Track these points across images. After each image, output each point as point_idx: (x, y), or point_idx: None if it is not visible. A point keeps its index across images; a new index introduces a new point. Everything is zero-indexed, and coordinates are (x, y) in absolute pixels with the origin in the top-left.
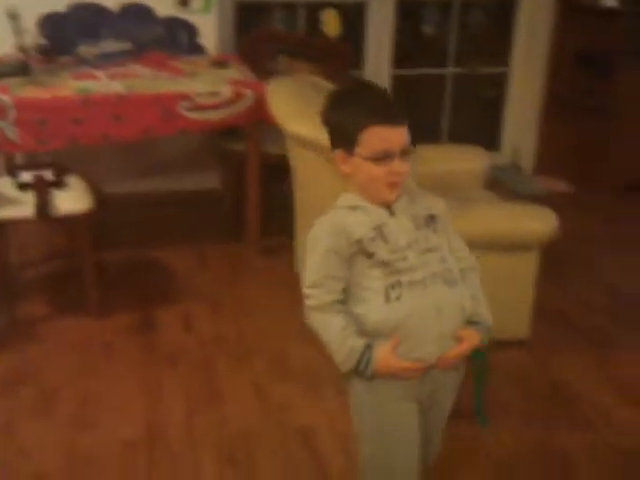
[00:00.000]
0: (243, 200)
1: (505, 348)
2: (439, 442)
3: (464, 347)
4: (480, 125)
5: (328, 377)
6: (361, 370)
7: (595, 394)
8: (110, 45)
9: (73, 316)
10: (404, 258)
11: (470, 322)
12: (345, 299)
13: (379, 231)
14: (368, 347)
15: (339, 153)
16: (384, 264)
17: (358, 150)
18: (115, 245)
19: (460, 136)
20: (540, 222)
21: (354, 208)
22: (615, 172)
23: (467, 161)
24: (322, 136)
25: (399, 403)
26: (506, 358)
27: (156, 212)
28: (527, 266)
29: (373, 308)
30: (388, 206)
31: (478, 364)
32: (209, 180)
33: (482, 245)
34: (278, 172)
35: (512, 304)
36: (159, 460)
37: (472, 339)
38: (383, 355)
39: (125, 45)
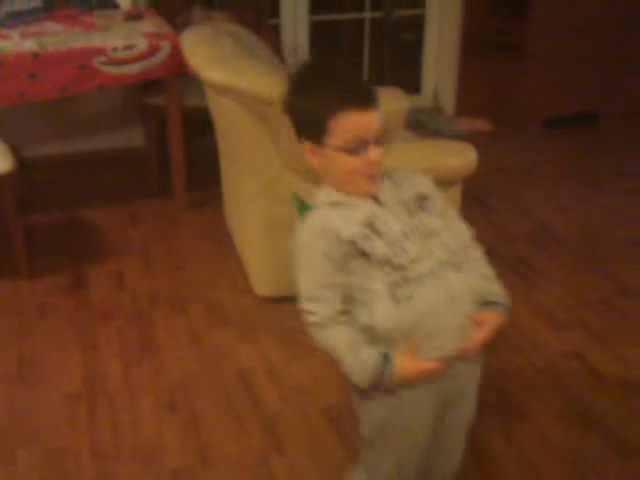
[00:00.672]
0: (168, 155)
1: None
2: (460, 452)
3: (486, 332)
4: (400, 69)
5: (264, 323)
6: (384, 382)
7: (522, 321)
8: (20, 3)
9: (3, 279)
10: (404, 250)
11: (486, 303)
12: (349, 308)
13: (371, 226)
14: (385, 357)
15: (307, 145)
16: (384, 262)
17: (329, 140)
18: (42, 207)
19: (381, 80)
20: (460, 157)
21: (336, 204)
22: (533, 109)
23: (385, 103)
24: (239, 81)
25: (420, 416)
26: None
27: (82, 173)
28: (450, 201)
29: (382, 313)
30: (373, 196)
31: None
32: (133, 137)
33: None
34: (201, 124)
35: None
36: (100, 411)
37: (492, 321)
38: (403, 362)
39: (35, 2)
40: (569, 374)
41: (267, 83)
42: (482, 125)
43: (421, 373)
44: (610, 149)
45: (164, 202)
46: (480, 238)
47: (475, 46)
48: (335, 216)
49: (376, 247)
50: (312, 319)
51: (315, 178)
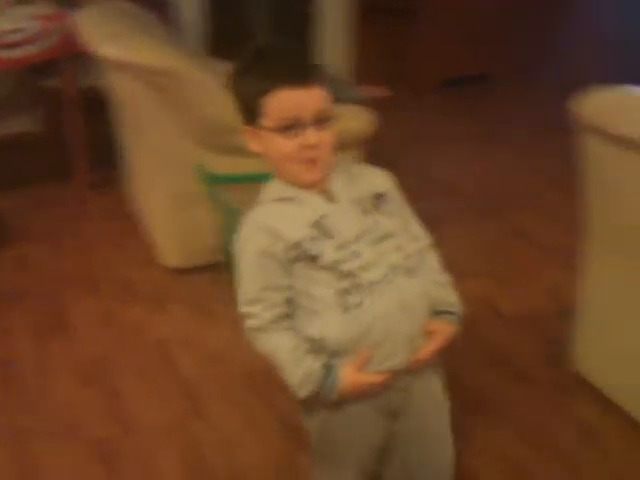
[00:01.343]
0: (67, 137)
1: None
2: (448, 449)
3: (437, 343)
4: (298, 40)
5: (176, 294)
6: (324, 395)
7: None
8: None
9: None
10: (355, 254)
11: (438, 312)
12: (291, 312)
13: (319, 226)
14: (328, 369)
15: (246, 128)
16: (333, 266)
17: (263, 121)
18: None
19: None
20: (358, 120)
21: (282, 200)
22: (430, 73)
23: None
24: (135, 56)
25: (365, 428)
26: None
27: None
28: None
29: (330, 323)
30: (324, 190)
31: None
32: (30, 121)
33: None
34: (99, 104)
35: None
36: (13, 392)
37: (445, 332)
38: (347, 376)
39: None
40: (475, 316)
41: (162, 56)
42: (381, 91)
43: (364, 386)
44: (503, 107)
45: (66, 185)
46: None
47: (371, 13)
48: (279, 215)
49: (324, 251)
50: (252, 322)
51: (217, 148)
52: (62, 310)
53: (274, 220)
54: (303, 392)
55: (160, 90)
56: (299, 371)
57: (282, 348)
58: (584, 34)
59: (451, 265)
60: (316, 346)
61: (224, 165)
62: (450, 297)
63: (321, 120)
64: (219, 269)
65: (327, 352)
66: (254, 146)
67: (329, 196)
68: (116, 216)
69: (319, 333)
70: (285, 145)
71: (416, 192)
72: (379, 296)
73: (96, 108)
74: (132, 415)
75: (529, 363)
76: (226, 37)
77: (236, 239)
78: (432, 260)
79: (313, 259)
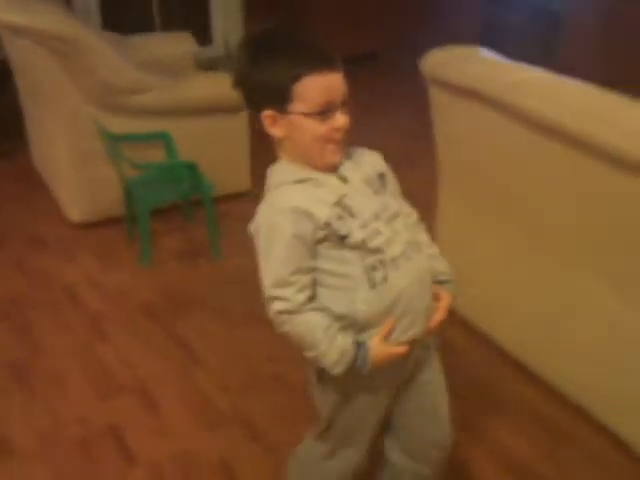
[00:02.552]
0: None
1: (231, 200)
2: (447, 421)
3: (443, 311)
4: (192, 22)
5: (82, 245)
6: (357, 368)
7: None
8: None
9: None
10: (377, 232)
11: (437, 282)
12: (314, 294)
13: (342, 206)
14: (359, 343)
15: (267, 114)
16: (361, 244)
17: (295, 106)
18: None
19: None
20: None
21: (302, 181)
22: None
23: (174, 46)
24: (38, 22)
25: (376, 398)
26: (234, 208)
27: None
28: (240, 127)
29: (359, 299)
30: (337, 172)
31: (209, 213)
32: None
33: (199, 111)
34: (4, 76)
35: (232, 161)
36: None
37: (447, 300)
38: (377, 346)
39: None
40: None
41: (62, 23)
42: None
43: (391, 356)
44: (389, 82)
45: None
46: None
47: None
48: (304, 196)
49: (352, 230)
50: (281, 306)
51: (114, 109)
52: None
53: (302, 201)
54: (339, 369)
55: (60, 56)
56: (334, 349)
57: (316, 328)
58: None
59: None
60: (345, 323)
61: (121, 125)
62: (443, 266)
63: (345, 103)
64: (122, 221)
65: (356, 328)
66: (275, 130)
67: (342, 177)
68: (24, 179)
69: (349, 309)
70: (316, 128)
71: None
72: (401, 271)
73: (2, 79)
74: (43, 342)
75: None
76: (114, 12)
77: (259, 223)
78: (423, 234)
79: (342, 238)
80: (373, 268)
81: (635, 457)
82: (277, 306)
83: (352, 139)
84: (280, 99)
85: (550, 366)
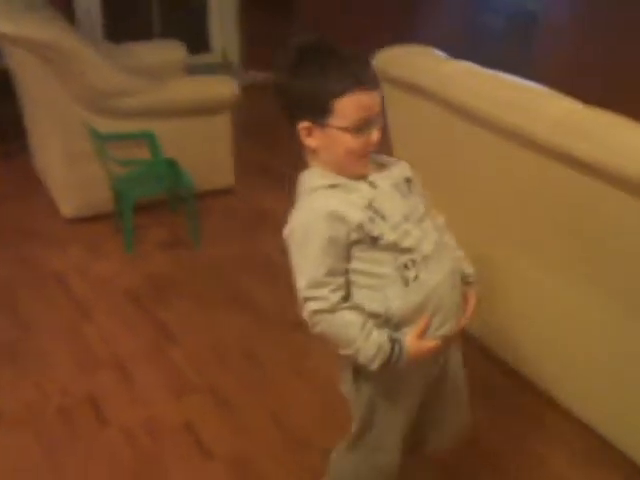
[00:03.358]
0: None
1: (215, 196)
2: (468, 407)
3: (472, 309)
4: (191, 29)
5: (72, 237)
6: (393, 363)
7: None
8: None
9: None
10: (407, 233)
11: (464, 283)
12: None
13: (372, 209)
14: (394, 339)
15: (304, 125)
16: (393, 245)
17: (332, 120)
18: None
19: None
20: (224, 85)
21: (333, 187)
22: None
23: (165, 53)
24: (23, 31)
25: (409, 395)
26: (217, 203)
27: None
28: (223, 125)
29: (393, 297)
30: (366, 179)
31: (189, 206)
32: None
33: (183, 111)
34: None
35: (216, 159)
36: None
37: (474, 299)
38: (412, 343)
39: None
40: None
41: (52, 31)
42: (265, 77)
43: (426, 352)
44: None
45: None
46: (253, 156)
47: (254, 3)
48: (337, 200)
49: (384, 232)
50: (317, 306)
51: (101, 111)
52: None
53: (336, 205)
54: (375, 365)
55: (50, 62)
56: (371, 345)
57: (352, 326)
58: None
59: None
60: (380, 321)
61: (109, 125)
62: (469, 268)
63: (379, 120)
64: (111, 216)
65: (391, 325)
66: (311, 141)
67: (371, 183)
68: (24, 179)
69: (384, 308)
70: (352, 143)
71: (281, 152)
72: (432, 269)
73: (5, 87)
74: (33, 322)
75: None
76: (116, 19)
77: (295, 226)
78: (449, 238)
79: (374, 240)
80: (405, 267)
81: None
82: (313, 306)
83: None
84: (319, 112)
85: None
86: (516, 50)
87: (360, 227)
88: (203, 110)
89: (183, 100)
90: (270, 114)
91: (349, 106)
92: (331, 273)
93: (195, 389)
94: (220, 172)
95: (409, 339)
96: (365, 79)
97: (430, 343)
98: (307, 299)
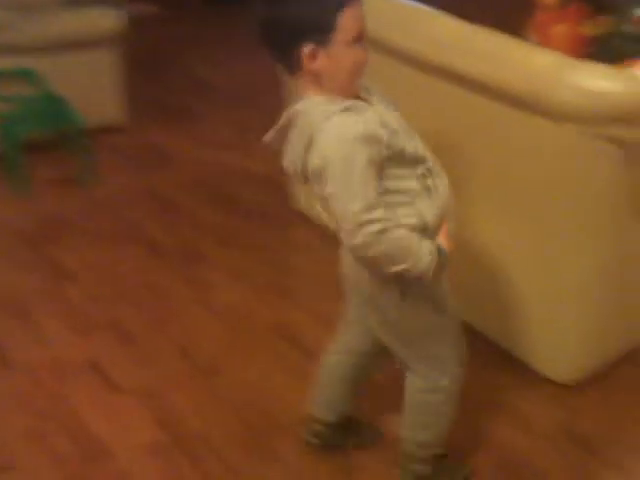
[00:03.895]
0: None
1: (106, 133)
2: None
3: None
4: None
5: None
6: (442, 265)
7: (184, 150)
8: None
9: None
10: (415, 142)
11: None
12: None
13: (386, 125)
14: (439, 245)
15: (309, 48)
16: (414, 156)
17: (336, 37)
18: None
19: None
20: (105, 19)
21: (347, 109)
22: None
23: None
24: None
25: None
26: (108, 140)
27: None
28: (109, 60)
29: (424, 208)
30: (359, 97)
31: (80, 143)
32: None
33: (65, 46)
34: None
35: (105, 95)
36: None
37: None
38: (446, 246)
39: None
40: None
41: None
42: (149, 9)
43: (451, 251)
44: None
45: None
46: (146, 91)
47: None
48: (362, 121)
49: (405, 143)
50: (377, 227)
51: None
52: None
53: (365, 126)
54: (431, 272)
55: None
56: (425, 252)
57: (409, 239)
58: None
59: (200, 146)
60: (418, 233)
61: None
62: None
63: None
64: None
65: (427, 236)
66: (314, 65)
67: (367, 101)
68: None
69: (418, 220)
70: (359, 55)
71: (175, 87)
72: (441, 178)
73: None
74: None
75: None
76: None
77: (331, 154)
78: None
79: (401, 154)
80: (424, 176)
81: None
82: (372, 228)
83: None
84: (325, 30)
85: None
86: None
87: (388, 143)
88: (86, 44)
89: (62, 34)
90: (163, 48)
91: (350, 18)
92: (378, 194)
93: (98, 326)
94: (110, 108)
95: (444, 243)
96: None
97: (452, 245)
98: (364, 223)
